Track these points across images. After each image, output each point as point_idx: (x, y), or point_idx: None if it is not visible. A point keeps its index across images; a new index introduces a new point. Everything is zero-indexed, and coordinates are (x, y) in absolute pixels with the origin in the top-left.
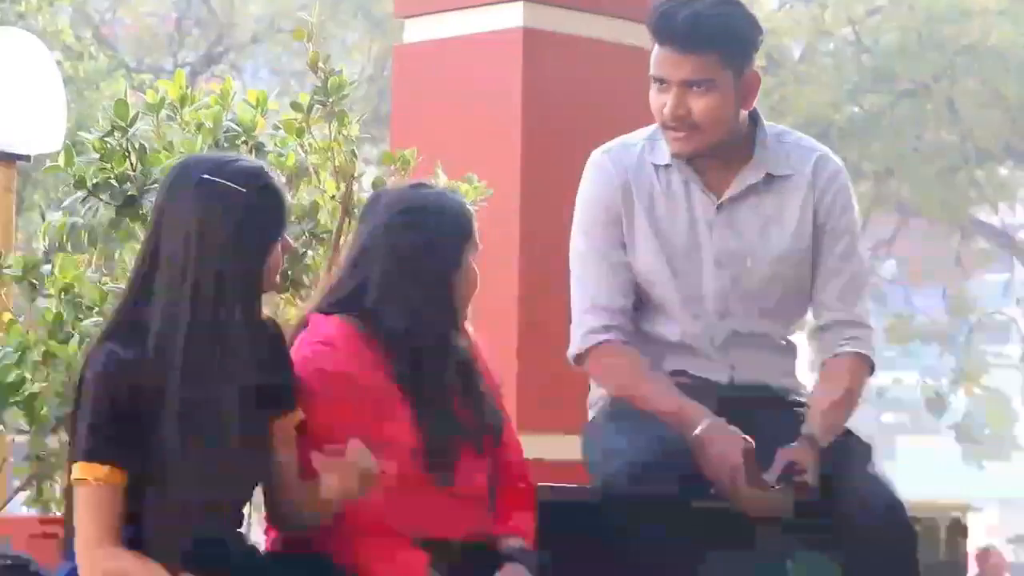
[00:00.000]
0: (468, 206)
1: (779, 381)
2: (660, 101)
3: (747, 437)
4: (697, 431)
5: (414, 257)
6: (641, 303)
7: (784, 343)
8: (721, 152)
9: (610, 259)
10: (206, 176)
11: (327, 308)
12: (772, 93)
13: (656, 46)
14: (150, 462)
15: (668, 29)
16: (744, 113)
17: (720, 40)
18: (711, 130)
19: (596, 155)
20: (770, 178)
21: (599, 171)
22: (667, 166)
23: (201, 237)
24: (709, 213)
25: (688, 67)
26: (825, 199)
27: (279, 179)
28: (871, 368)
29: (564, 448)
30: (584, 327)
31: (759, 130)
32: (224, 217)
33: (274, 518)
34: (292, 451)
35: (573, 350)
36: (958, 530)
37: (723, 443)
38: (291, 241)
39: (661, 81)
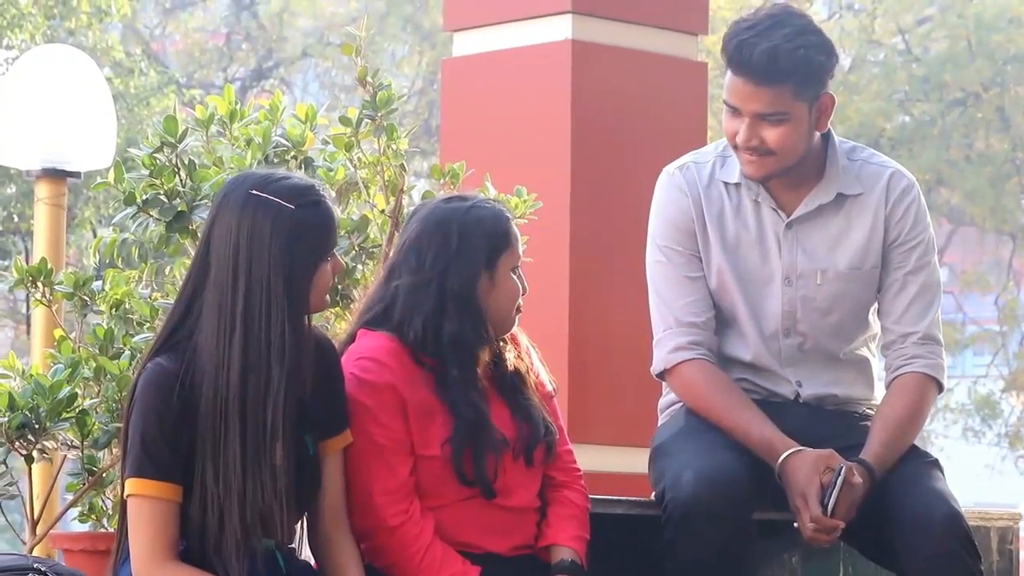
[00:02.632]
0: (503, 216)
1: (848, 396)
2: (733, 127)
3: (832, 466)
4: (781, 458)
5: (435, 270)
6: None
7: (855, 358)
8: (792, 171)
9: (689, 274)
10: (255, 191)
11: (364, 324)
12: None
13: (729, 72)
14: (200, 477)
15: (745, 62)
16: (817, 134)
17: (797, 74)
18: (785, 157)
19: (669, 170)
20: (841, 197)
21: (673, 188)
22: (737, 184)
23: (250, 252)
24: (778, 231)
25: (763, 100)
26: (896, 215)
27: (330, 197)
28: (939, 386)
29: (616, 460)
30: (669, 344)
31: (831, 148)
32: (273, 233)
33: (312, 546)
34: (338, 481)
35: (658, 366)
36: (1010, 538)
37: (802, 470)
38: (342, 260)
39: (734, 108)
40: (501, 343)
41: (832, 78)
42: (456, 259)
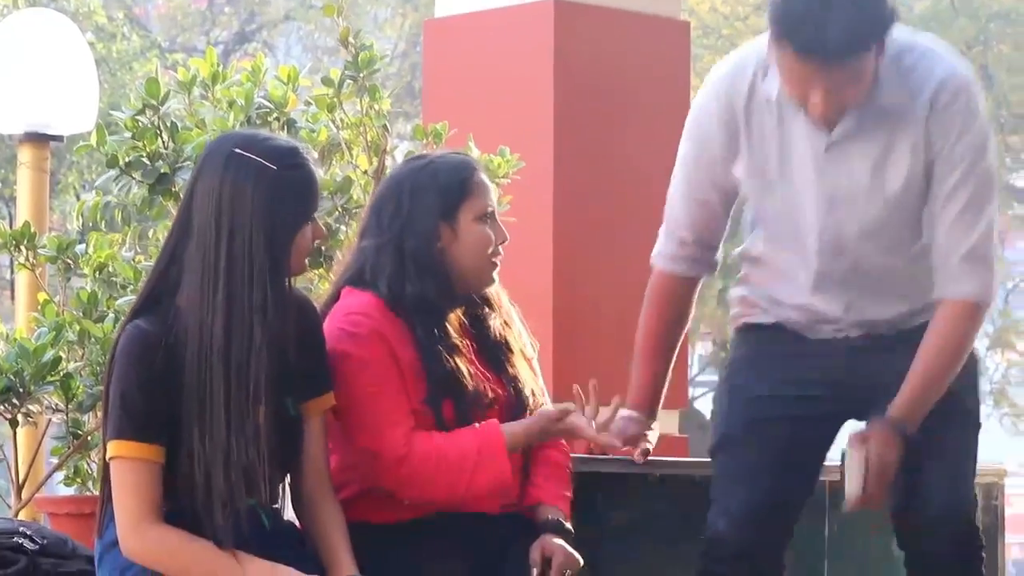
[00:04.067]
0: (461, 166)
1: (900, 317)
2: (801, 91)
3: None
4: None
5: (392, 231)
6: (754, 231)
7: (909, 276)
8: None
9: (697, 196)
10: (237, 151)
11: (346, 282)
12: None
13: (793, 54)
14: (186, 437)
15: (818, 43)
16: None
17: (865, 38)
18: (855, 104)
19: (714, 78)
20: (883, 112)
21: (711, 98)
22: (778, 100)
23: (232, 212)
24: (819, 149)
25: (838, 74)
26: (942, 126)
27: (313, 160)
28: (984, 306)
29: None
30: (659, 246)
31: (879, 59)
32: (255, 193)
33: (295, 508)
34: (320, 442)
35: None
36: (995, 494)
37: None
38: (322, 226)
39: (800, 81)
40: (485, 308)
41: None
42: (410, 217)
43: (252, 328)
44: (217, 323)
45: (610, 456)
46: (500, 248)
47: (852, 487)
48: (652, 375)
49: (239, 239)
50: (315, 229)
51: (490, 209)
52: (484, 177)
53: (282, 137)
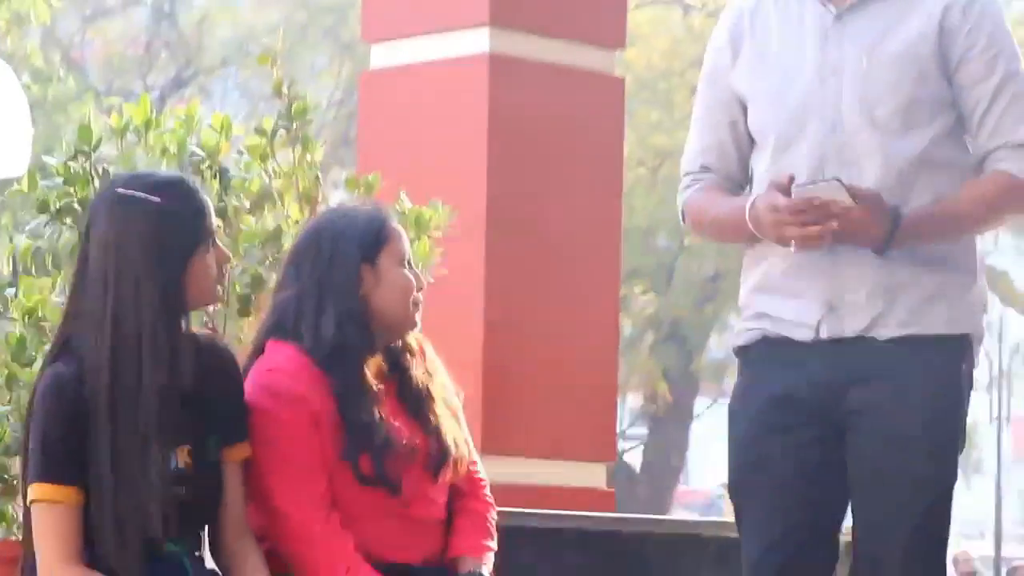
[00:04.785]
0: (378, 215)
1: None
2: None
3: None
4: (748, 206)
5: (312, 279)
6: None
7: (913, 169)
8: None
9: (710, 119)
10: (119, 190)
11: (264, 334)
12: None
13: None
14: (93, 480)
15: None
16: None
17: None
18: None
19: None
20: None
21: (723, 15)
22: None
23: (119, 249)
24: (827, 22)
25: None
26: (965, 29)
27: (200, 187)
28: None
29: (531, 471)
30: (682, 190)
31: None
32: (141, 227)
33: (215, 558)
34: (238, 491)
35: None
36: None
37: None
38: (225, 249)
39: None
40: (407, 356)
41: None
42: (331, 264)
43: (140, 367)
44: (104, 363)
45: (534, 511)
46: (420, 294)
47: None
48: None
49: (126, 277)
50: (217, 254)
51: (406, 256)
52: (399, 227)
53: (166, 171)
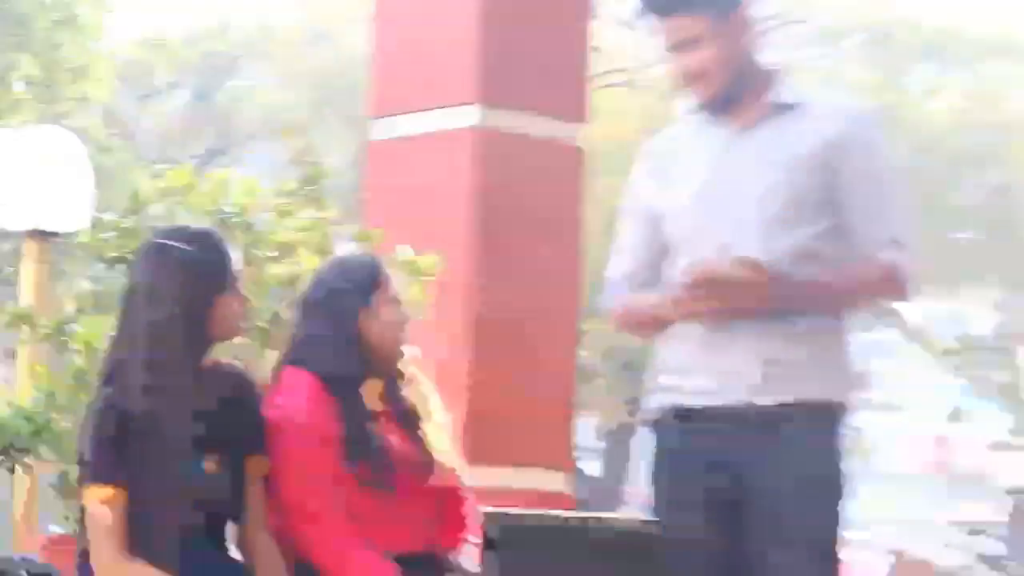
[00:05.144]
0: (372, 262)
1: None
2: (671, 69)
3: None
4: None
5: (316, 318)
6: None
7: (790, 259)
8: (743, 94)
9: (629, 238)
10: (157, 241)
11: (282, 363)
12: None
13: (652, 18)
14: (134, 482)
15: (645, 3)
16: (756, 56)
17: (690, 4)
18: (714, 79)
19: (643, 149)
20: (781, 107)
21: (640, 158)
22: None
23: (156, 289)
24: (723, 144)
25: (672, 32)
26: (844, 131)
27: (224, 240)
28: (900, 283)
29: (509, 479)
30: (609, 297)
31: (781, 72)
32: (174, 271)
33: (239, 549)
34: (259, 495)
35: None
36: None
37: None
38: (244, 292)
39: (666, 49)
40: (403, 383)
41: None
42: (332, 305)
43: (168, 390)
44: (140, 387)
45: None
46: (406, 327)
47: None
48: None
49: (159, 313)
50: (239, 299)
51: (397, 296)
52: (388, 271)
53: (196, 225)
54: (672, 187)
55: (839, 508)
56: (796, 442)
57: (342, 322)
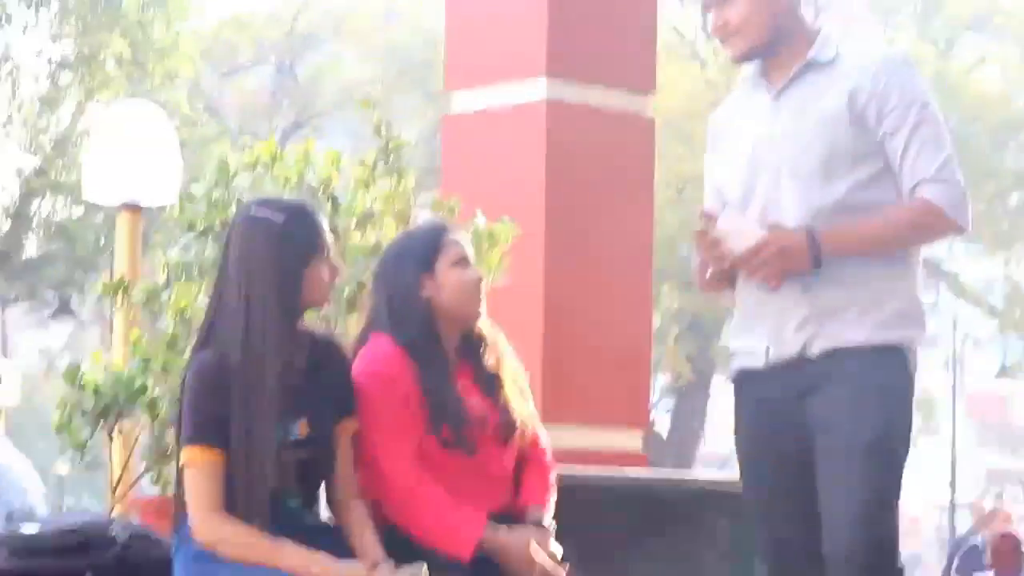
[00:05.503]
0: (433, 228)
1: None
2: (712, 24)
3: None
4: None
5: (385, 289)
6: None
7: (834, 210)
8: (778, 49)
9: (706, 186)
10: (251, 212)
11: (366, 329)
12: None
13: None
14: (231, 443)
15: None
16: (798, 13)
17: None
18: (751, 31)
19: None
20: (815, 65)
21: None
22: (748, 83)
23: (249, 260)
24: (767, 103)
25: None
26: (872, 82)
27: (316, 211)
28: (946, 219)
29: (585, 438)
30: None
31: (822, 31)
32: (265, 242)
33: (331, 509)
34: (348, 457)
35: None
36: None
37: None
38: (335, 263)
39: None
40: (482, 345)
41: None
42: (396, 276)
43: (264, 355)
44: (237, 352)
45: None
46: (479, 286)
47: (735, 244)
48: None
49: (254, 281)
50: (330, 267)
51: (462, 257)
52: (455, 235)
53: (288, 197)
54: (725, 156)
55: (896, 434)
56: (849, 381)
57: (406, 289)
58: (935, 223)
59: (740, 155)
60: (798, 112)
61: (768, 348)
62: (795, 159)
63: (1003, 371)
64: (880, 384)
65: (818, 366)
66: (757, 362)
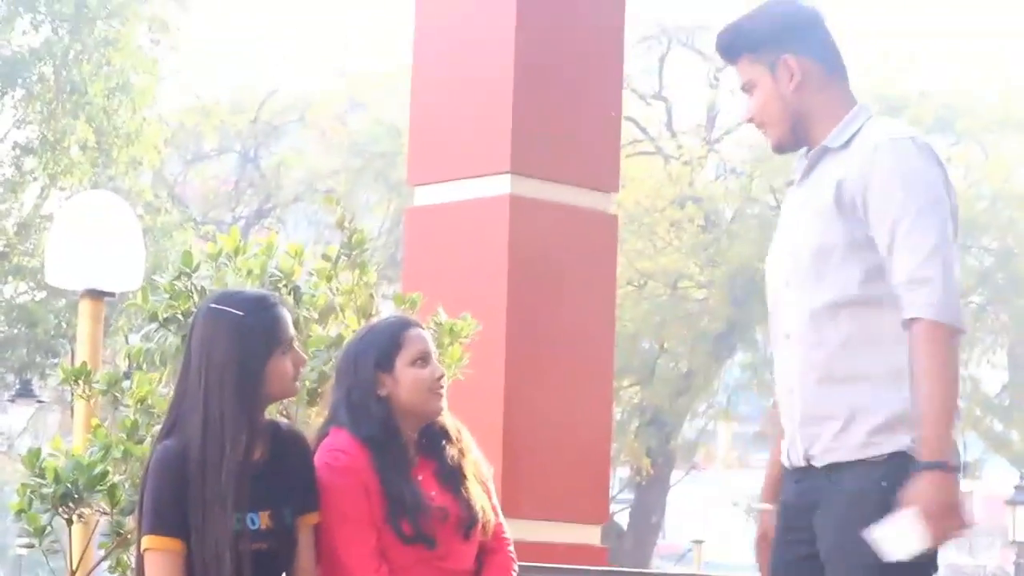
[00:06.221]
0: (394, 325)
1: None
2: (743, 111)
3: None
4: None
5: (344, 388)
6: None
7: (828, 311)
8: (805, 139)
9: None
10: (212, 305)
11: (326, 423)
12: (709, 247)
13: None
14: (190, 533)
15: (717, 49)
16: (824, 98)
17: (741, 44)
18: (772, 123)
19: None
20: (828, 151)
21: None
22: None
23: (210, 352)
24: (791, 197)
25: (737, 75)
26: (862, 168)
27: (280, 302)
28: (938, 322)
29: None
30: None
31: (850, 113)
32: (226, 335)
33: None
34: (309, 549)
35: None
36: None
37: None
38: (302, 354)
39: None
40: (443, 440)
41: (792, 42)
42: (355, 373)
43: (223, 446)
44: (197, 442)
45: (546, 565)
46: (440, 383)
47: (912, 543)
48: None
49: (214, 374)
50: (294, 357)
51: (422, 355)
52: (417, 330)
53: (252, 289)
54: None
55: (875, 567)
56: (841, 495)
57: (364, 386)
58: (941, 337)
59: (771, 253)
60: (801, 204)
61: (788, 452)
62: (794, 256)
63: (962, 471)
64: (878, 500)
65: (821, 474)
66: (785, 462)
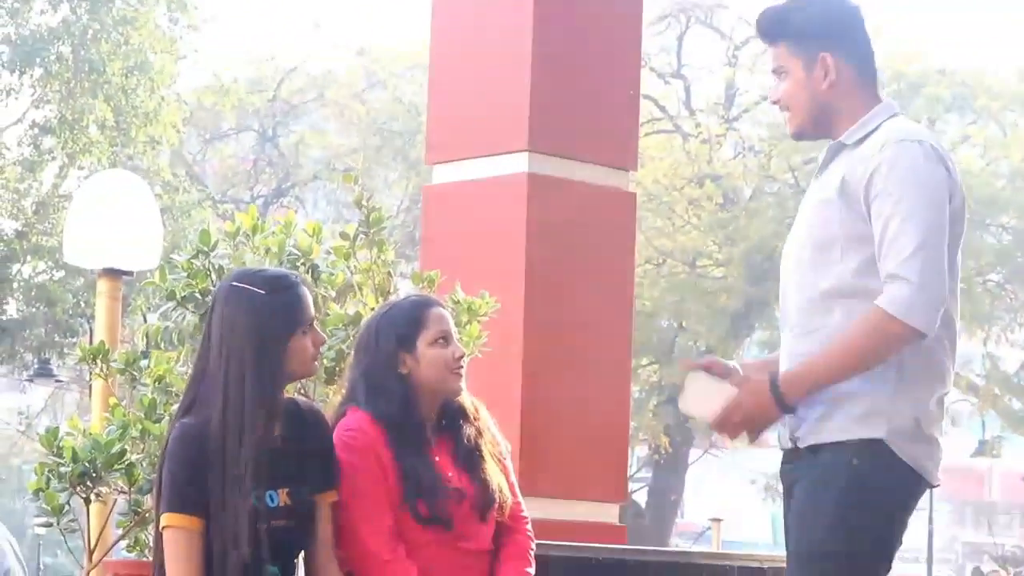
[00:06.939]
0: (416, 305)
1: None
2: (772, 93)
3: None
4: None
5: (362, 365)
6: None
7: (823, 301)
8: (827, 130)
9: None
10: (234, 283)
11: (343, 403)
12: (727, 225)
13: None
14: (209, 510)
15: (756, 26)
16: (850, 93)
17: (781, 32)
18: (797, 111)
19: None
20: (844, 147)
21: None
22: None
23: (231, 331)
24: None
25: (772, 57)
26: (867, 165)
27: (302, 281)
28: (898, 321)
29: (557, 510)
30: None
31: (872, 111)
32: (247, 314)
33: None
34: (327, 526)
35: None
36: None
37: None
38: (321, 333)
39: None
40: (461, 420)
41: (830, 40)
42: (376, 351)
43: (242, 424)
44: (217, 420)
45: (563, 543)
46: (460, 362)
47: (703, 410)
48: None
49: (235, 353)
50: (314, 337)
51: (444, 334)
52: (439, 310)
53: (273, 268)
54: None
55: (829, 527)
56: (815, 468)
57: (385, 365)
58: (889, 329)
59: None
60: (813, 196)
61: (777, 435)
62: (799, 246)
63: (981, 449)
64: (843, 485)
65: (802, 455)
66: (776, 443)
